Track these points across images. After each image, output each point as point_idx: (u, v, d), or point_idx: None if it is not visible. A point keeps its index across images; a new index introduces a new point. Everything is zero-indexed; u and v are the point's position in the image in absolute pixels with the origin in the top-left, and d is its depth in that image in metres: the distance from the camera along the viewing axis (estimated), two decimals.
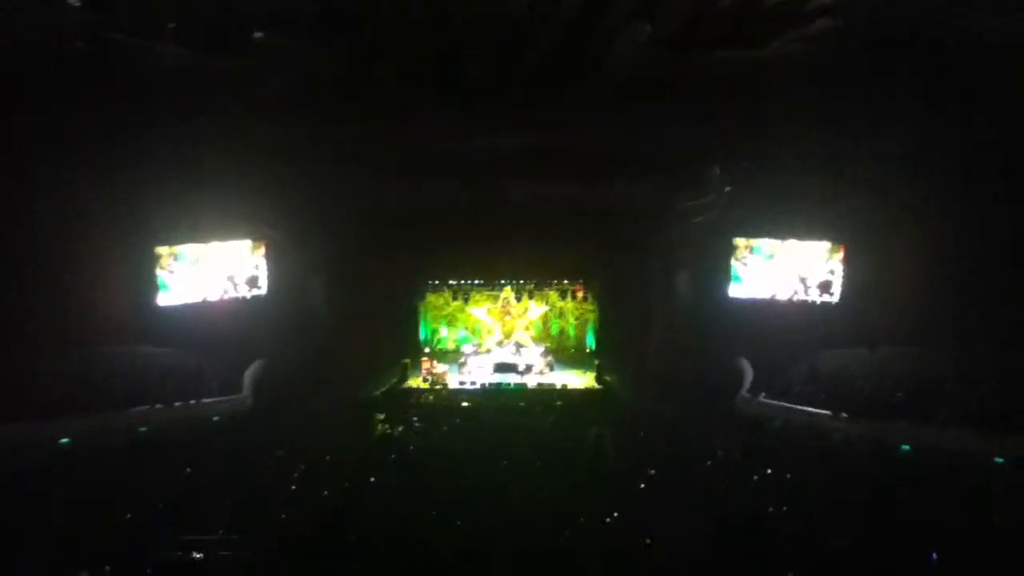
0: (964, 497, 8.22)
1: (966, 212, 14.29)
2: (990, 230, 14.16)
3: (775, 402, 15.26)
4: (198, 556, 5.77)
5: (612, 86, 15.18)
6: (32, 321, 14.18)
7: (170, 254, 16.69)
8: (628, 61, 14.31)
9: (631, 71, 14.68)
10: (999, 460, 10.69)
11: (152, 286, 16.51)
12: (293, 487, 9.38)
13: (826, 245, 16.92)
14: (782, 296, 17.49)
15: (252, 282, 17.92)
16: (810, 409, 14.40)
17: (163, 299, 16.67)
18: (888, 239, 15.64)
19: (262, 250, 17.98)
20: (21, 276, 14.45)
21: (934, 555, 6.22)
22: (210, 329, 16.78)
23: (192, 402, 14.86)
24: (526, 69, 15.02)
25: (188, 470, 9.86)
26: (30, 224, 14.42)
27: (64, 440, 11.12)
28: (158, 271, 16.54)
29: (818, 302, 17.08)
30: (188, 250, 16.97)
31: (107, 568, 5.20)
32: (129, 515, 7.49)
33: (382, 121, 15.89)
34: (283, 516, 7.92)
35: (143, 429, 12.65)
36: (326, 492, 8.76)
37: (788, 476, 9.96)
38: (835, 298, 16.86)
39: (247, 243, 17.78)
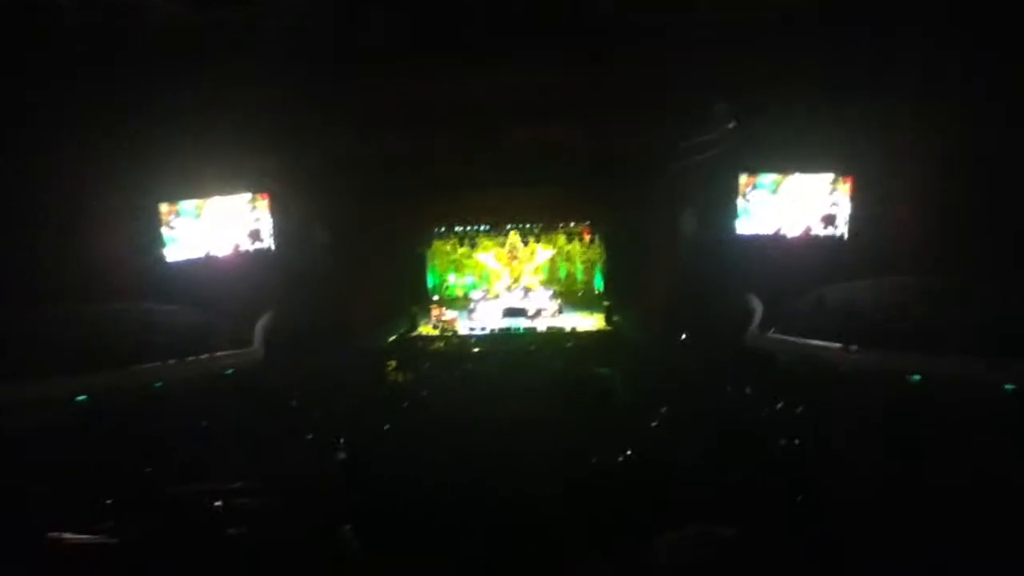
0: (976, 425, 8.23)
1: (974, 140, 14.09)
2: (999, 157, 13.96)
3: (785, 336, 15.28)
4: (217, 504, 5.85)
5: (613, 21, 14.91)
6: (43, 281, 14.27)
7: (172, 210, 16.69)
8: None
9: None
10: (1009, 387, 10.69)
11: (157, 242, 16.55)
12: (308, 436, 9.48)
13: (830, 177, 16.78)
14: (789, 231, 17.41)
15: (255, 235, 17.93)
16: (820, 342, 14.41)
17: (169, 255, 16.74)
18: (894, 169, 15.47)
19: (265, 203, 17.93)
20: (30, 237, 14.52)
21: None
22: (217, 284, 16.88)
23: (204, 356, 14.97)
24: (525, 10, 14.74)
25: (204, 423, 9.97)
26: (33, 184, 14.42)
27: (81, 397, 11.23)
28: (162, 227, 16.57)
29: (822, 235, 17.01)
30: (190, 205, 16.96)
31: (128, 519, 5.28)
32: (148, 468, 7.60)
33: (382, 69, 15.70)
34: (298, 464, 8.01)
35: (158, 384, 12.77)
36: (341, 440, 8.84)
37: (799, 409, 10.02)
38: (839, 231, 16.76)
39: (248, 196, 17.74)
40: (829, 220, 16.92)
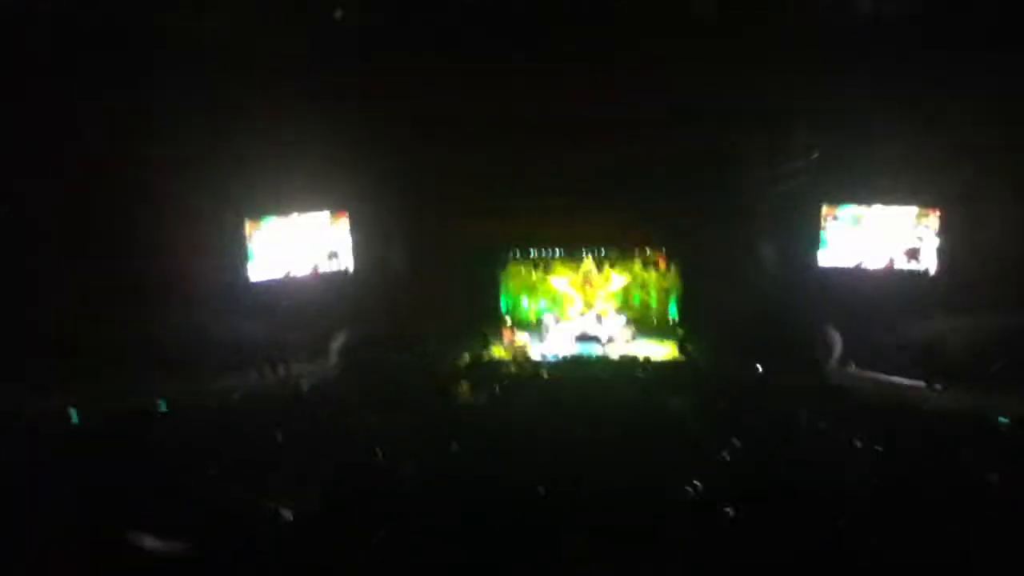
0: None
1: None
2: None
3: (865, 372, 14.82)
4: (285, 513, 5.98)
5: (697, 42, 14.77)
6: (127, 292, 14.86)
7: (255, 227, 17.22)
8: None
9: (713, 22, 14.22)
10: None
11: (243, 260, 17.09)
12: (378, 452, 9.59)
13: (914, 210, 16.28)
14: (871, 264, 16.94)
15: (333, 255, 18.33)
16: (901, 380, 13.94)
17: (253, 272, 17.26)
18: (982, 202, 14.91)
19: (343, 222, 18.33)
20: (113, 251, 15.15)
21: None
22: (296, 302, 17.30)
23: (282, 370, 15.34)
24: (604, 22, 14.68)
25: (279, 435, 10.20)
26: (121, 199, 15.05)
27: (162, 403, 11.61)
28: (247, 244, 17.11)
29: (906, 270, 16.49)
30: (272, 223, 17.47)
31: (196, 520, 5.45)
32: (214, 471, 7.82)
33: (458, 88, 15.89)
34: (366, 481, 8.10)
35: (236, 396, 13.11)
36: (409, 460, 8.92)
37: (878, 448, 9.69)
38: (923, 266, 16.22)
39: (327, 214, 18.16)
40: (913, 254, 16.41)
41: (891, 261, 16.74)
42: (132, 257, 15.33)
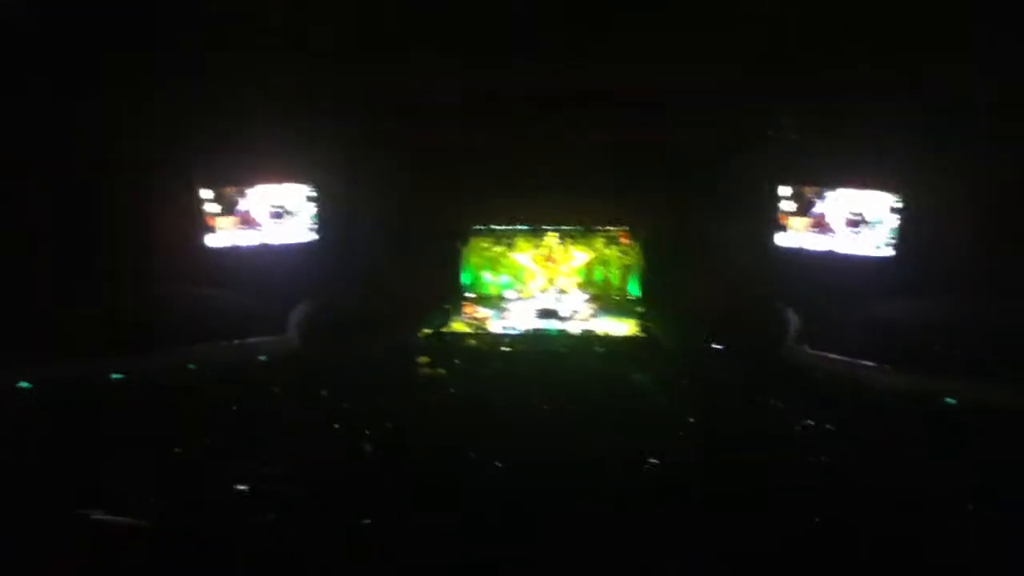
0: (1007, 453, 8.07)
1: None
2: None
3: (820, 352, 15.08)
4: (243, 488, 5.94)
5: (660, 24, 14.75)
6: (82, 263, 14.57)
7: (215, 196, 16.95)
8: None
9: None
10: None
11: (199, 227, 16.82)
12: (336, 426, 9.58)
13: (878, 194, 16.50)
14: (831, 246, 17.18)
15: (297, 225, 18.13)
16: (855, 360, 14.20)
17: (210, 240, 17.00)
18: (941, 187, 15.16)
19: (308, 193, 18.12)
20: (73, 218, 14.83)
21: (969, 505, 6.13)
22: (255, 271, 17.10)
23: (237, 342, 15.16)
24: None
25: (235, 407, 10.12)
26: (76, 167, 14.71)
27: (117, 375, 11.44)
28: (204, 213, 16.83)
29: (867, 253, 16.73)
30: (232, 192, 17.22)
31: (153, 500, 5.38)
32: (178, 449, 7.74)
33: (427, 63, 15.72)
34: (326, 453, 8.09)
35: (192, 366, 12.97)
36: (367, 431, 8.92)
37: (829, 427, 9.90)
38: (882, 248, 16.49)
39: (292, 186, 17.94)
40: (853, 223, 16.69)
41: (851, 243, 16.93)
42: (80, 225, 14.98)
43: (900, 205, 16.22)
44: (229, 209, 17.33)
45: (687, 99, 16.44)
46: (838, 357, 14.55)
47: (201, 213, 16.92)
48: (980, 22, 12.79)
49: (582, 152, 17.99)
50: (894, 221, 16.31)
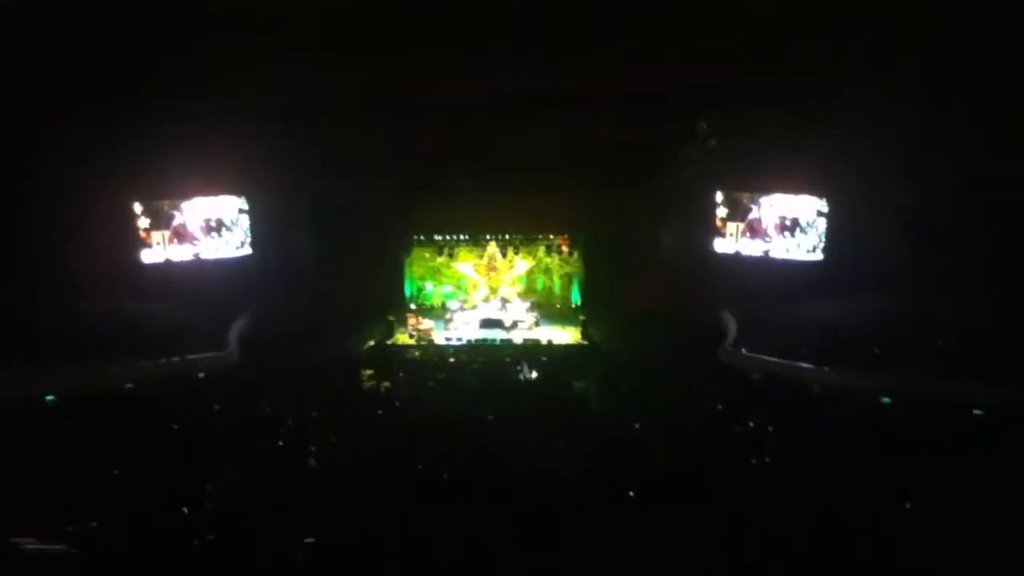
0: (943, 448, 8.34)
1: (956, 163, 14.24)
2: (979, 181, 14.12)
3: (757, 355, 15.37)
4: (184, 510, 5.80)
5: (599, 32, 14.86)
6: (13, 277, 14.11)
7: (149, 209, 16.60)
8: None
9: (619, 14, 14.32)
10: (978, 412, 10.80)
11: (133, 242, 16.43)
12: (280, 443, 9.43)
13: (809, 198, 16.93)
14: (765, 250, 17.56)
15: (234, 238, 17.82)
16: (791, 362, 14.51)
17: (146, 255, 16.63)
18: (872, 190, 15.59)
19: (244, 205, 17.84)
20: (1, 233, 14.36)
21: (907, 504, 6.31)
22: (194, 285, 16.76)
23: (176, 358, 14.81)
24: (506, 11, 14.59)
25: (175, 425, 9.88)
26: (9, 182, 14.25)
27: (49, 396, 11.07)
28: (139, 226, 16.47)
29: (801, 258, 17.13)
30: (167, 205, 16.87)
31: (93, 523, 5.22)
32: (115, 471, 7.52)
33: (367, 70, 15.60)
34: (269, 470, 7.96)
35: (129, 385, 12.63)
36: (312, 447, 8.81)
37: (769, 428, 10.10)
38: (816, 253, 16.91)
39: (228, 198, 17.65)
40: (790, 227, 17.10)
41: (785, 248, 17.32)
42: (14, 243, 14.50)
43: (826, 209, 16.66)
44: (163, 223, 16.96)
45: (624, 103, 16.61)
46: (775, 359, 14.85)
47: (135, 227, 16.52)
48: (905, 27, 13.23)
49: (523, 160, 18.03)
50: (822, 225, 16.74)
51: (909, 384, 12.29)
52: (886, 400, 11.45)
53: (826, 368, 13.87)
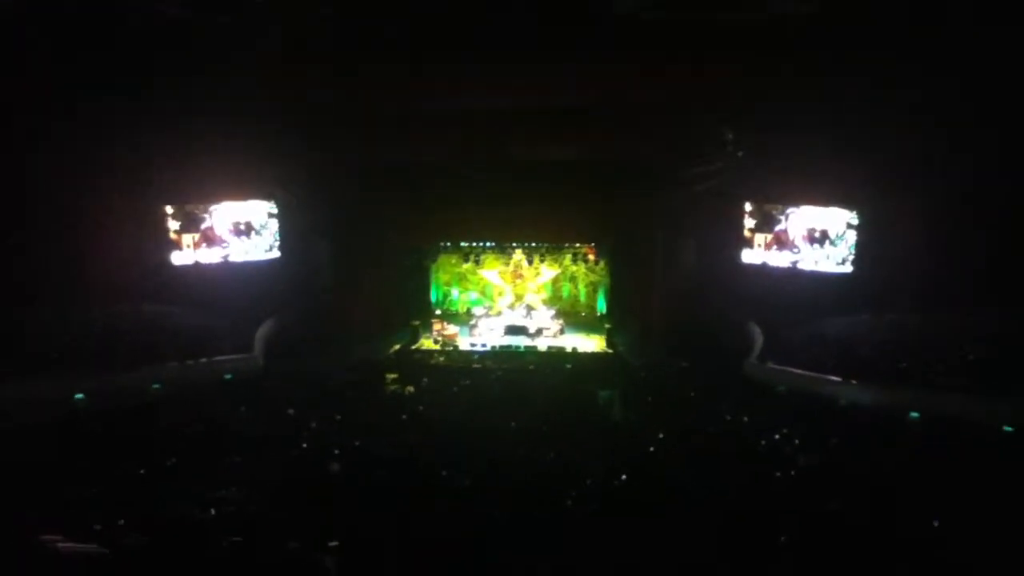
0: (970, 465, 8.21)
1: (980, 180, 14.08)
2: (1002, 200, 13.93)
3: (784, 368, 15.24)
4: (207, 511, 5.85)
5: (623, 42, 14.79)
6: (47, 280, 14.35)
7: (179, 212, 16.80)
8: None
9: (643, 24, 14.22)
10: (1008, 429, 10.62)
11: (163, 245, 16.63)
12: (304, 445, 9.49)
13: (838, 211, 16.76)
14: (793, 262, 17.41)
15: (263, 241, 17.97)
16: (819, 375, 14.36)
17: (175, 258, 16.82)
18: (900, 206, 15.43)
19: (273, 209, 18.00)
20: (35, 236, 14.60)
21: (935, 522, 6.23)
22: (221, 289, 16.93)
23: (204, 360, 14.96)
24: (534, 19, 14.54)
25: (201, 427, 9.97)
26: (42, 185, 14.50)
27: (79, 396, 11.21)
28: (169, 229, 16.68)
29: (830, 270, 16.96)
30: (198, 209, 17.07)
31: (119, 522, 5.27)
32: (142, 471, 7.60)
33: (391, 78, 15.64)
34: (293, 474, 8.00)
35: (156, 386, 12.77)
36: (336, 451, 8.85)
37: (796, 441, 10.01)
38: (846, 266, 16.73)
39: (257, 203, 17.81)
40: (820, 238, 16.94)
41: (815, 259, 17.16)
42: (47, 245, 14.74)
43: (857, 221, 16.49)
44: (193, 226, 17.15)
45: (654, 116, 16.53)
46: (801, 372, 14.71)
47: (165, 231, 16.73)
48: (934, 45, 13.09)
49: (549, 169, 18.02)
50: (852, 237, 16.57)
51: (938, 399, 12.11)
52: (914, 415, 11.28)
53: (853, 382, 13.71)
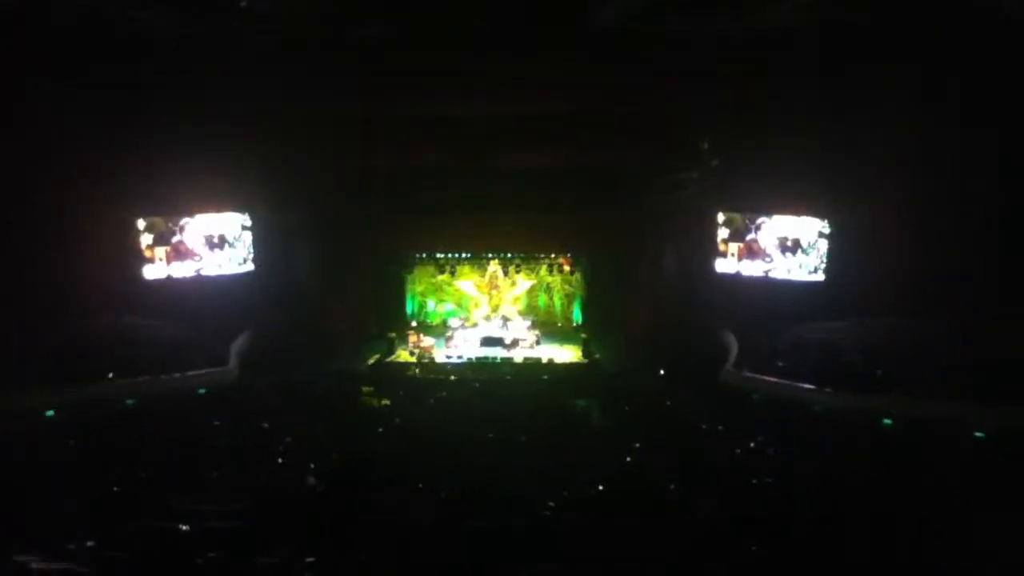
0: (944, 470, 8.32)
1: (956, 185, 14.27)
2: (977, 204, 14.13)
3: (759, 376, 15.34)
4: (184, 527, 5.78)
5: (603, 51, 14.88)
6: (15, 292, 14.12)
7: (151, 225, 16.65)
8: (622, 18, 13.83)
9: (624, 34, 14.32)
10: (979, 435, 10.76)
11: (136, 258, 16.46)
12: (280, 460, 9.42)
13: (812, 220, 16.95)
14: (766, 271, 17.56)
15: (236, 254, 17.84)
16: (793, 383, 14.46)
17: (148, 271, 16.65)
18: (873, 212, 15.60)
19: (247, 221, 17.88)
20: (6, 247, 14.38)
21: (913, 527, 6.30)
22: (195, 301, 16.77)
23: (177, 375, 14.80)
24: (513, 28, 14.58)
25: (175, 442, 9.87)
26: (12, 197, 14.29)
27: (49, 412, 11.06)
28: (141, 243, 16.51)
29: (802, 279, 17.12)
30: (170, 222, 16.92)
31: (92, 539, 5.21)
32: (116, 487, 7.51)
33: (366, 89, 15.62)
34: (269, 488, 7.95)
35: (130, 401, 12.63)
36: (312, 464, 8.79)
37: (771, 450, 10.08)
38: (818, 274, 16.91)
39: (229, 215, 17.69)
40: (792, 247, 17.10)
41: (789, 267, 17.32)
42: (16, 258, 14.53)
43: (828, 230, 16.68)
44: (165, 239, 17.00)
45: (629, 125, 16.64)
46: (776, 380, 14.82)
47: (137, 244, 16.56)
48: (904, 57, 13.30)
49: (524, 179, 18.07)
50: (824, 246, 16.76)
51: (910, 406, 12.24)
52: (887, 422, 11.41)
53: (827, 389, 13.83)
